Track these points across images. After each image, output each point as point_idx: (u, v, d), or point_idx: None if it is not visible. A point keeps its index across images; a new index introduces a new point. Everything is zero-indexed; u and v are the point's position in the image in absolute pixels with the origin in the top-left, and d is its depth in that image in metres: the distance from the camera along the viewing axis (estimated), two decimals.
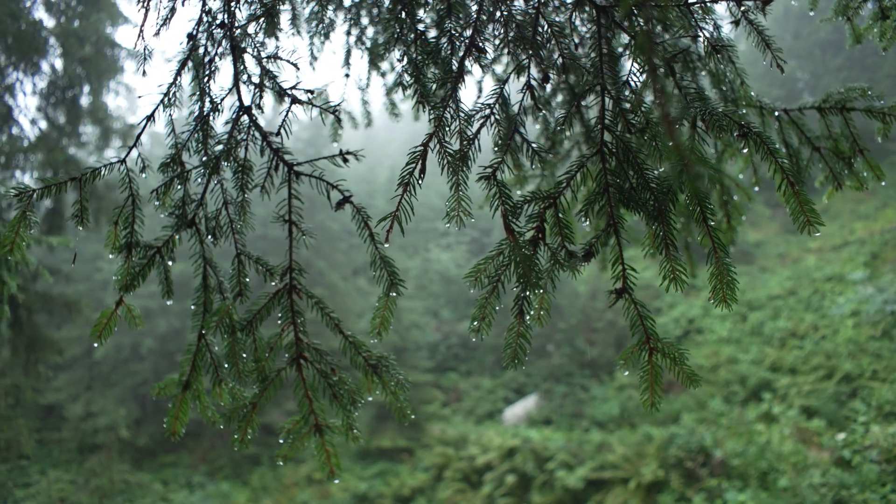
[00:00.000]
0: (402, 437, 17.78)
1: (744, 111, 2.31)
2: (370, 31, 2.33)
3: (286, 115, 1.54)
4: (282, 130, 1.54)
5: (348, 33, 2.45)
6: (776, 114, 2.37)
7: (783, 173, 1.46)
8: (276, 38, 2.05)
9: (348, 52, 2.69)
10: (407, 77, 1.54)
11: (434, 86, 1.43)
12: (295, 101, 1.55)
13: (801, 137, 2.57)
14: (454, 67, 1.94)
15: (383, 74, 2.45)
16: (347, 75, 2.64)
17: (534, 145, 1.50)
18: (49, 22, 12.10)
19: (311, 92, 1.56)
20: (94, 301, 17.77)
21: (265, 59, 1.61)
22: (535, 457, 15.58)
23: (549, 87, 2.65)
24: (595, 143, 1.46)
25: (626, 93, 1.57)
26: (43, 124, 12.27)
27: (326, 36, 2.37)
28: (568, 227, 1.50)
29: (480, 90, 2.94)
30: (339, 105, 1.52)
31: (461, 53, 1.42)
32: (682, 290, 1.42)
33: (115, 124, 12.26)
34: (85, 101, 12.08)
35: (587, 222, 1.49)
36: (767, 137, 1.48)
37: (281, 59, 1.60)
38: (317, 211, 22.71)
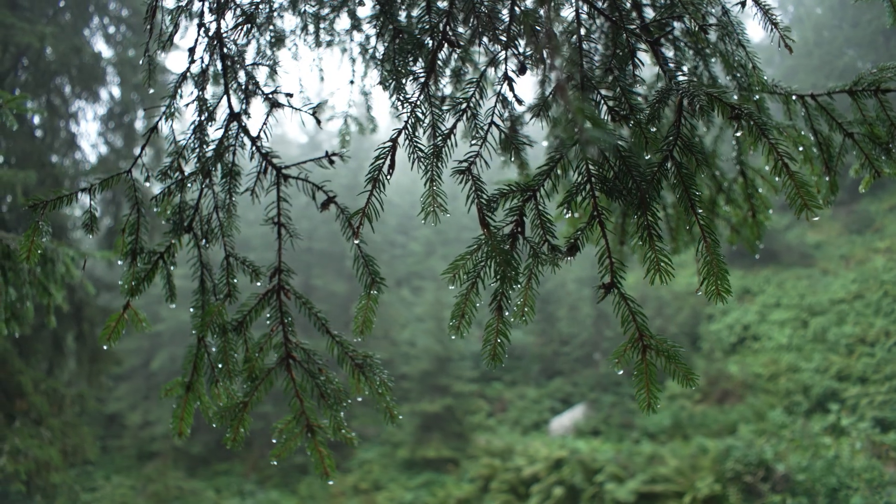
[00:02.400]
0: (448, 448, 17.70)
1: (757, 97, 2.18)
2: (375, 42, 2.36)
3: (266, 118, 1.57)
4: (262, 133, 1.57)
5: (354, 41, 2.50)
6: (793, 98, 2.23)
7: (777, 154, 1.37)
8: (272, 48, 2.10)
9: (363, 71, 2.72)
10: (386, 74, 1.55)
11: (405, 80, 1.43)
12: (275, 104, 1.58)
13: (832, 123, 2.42)
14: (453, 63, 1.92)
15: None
16: (352, 81, 2.67)
17: (512, 136, 1.46)
18: (107, 53, 12.94)
19: (290, 95, 1.59)
20: (150, 314, 18.67)
21: (251, 67, 1.66)
22: (583, 469, 15.17)
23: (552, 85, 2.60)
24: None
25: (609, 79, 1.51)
26: (103, 148, 13.08)
27: (329, 45, 2.43)
28: (549, 220, 1.45)
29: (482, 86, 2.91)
30: (317, 107, 1.54)
31: (433, 47, 1.41)
32: (667, 282, 1.34)
33: (168, 145, 12.90)
34: (139, 124, 12.80)
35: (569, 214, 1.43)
36: (759, 118, 1.39)
37: (263, 65, 1.64)
38: None
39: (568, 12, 1.83)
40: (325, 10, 2.54)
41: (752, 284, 20.93)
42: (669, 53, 2.63)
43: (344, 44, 2.95)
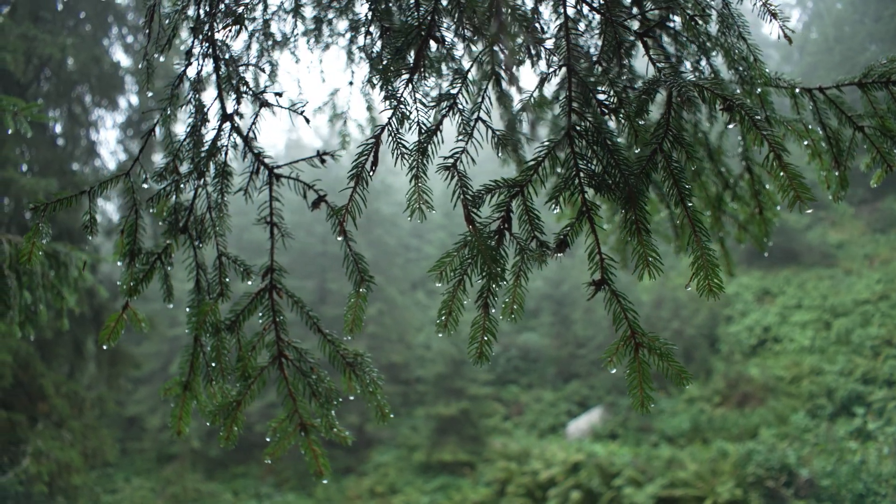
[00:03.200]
0: (464, 451, 17.64)
1: (759, 91, 2.14)
2: (365, 41, 2.37)
3: (255, 117, 1.58)
4: (251, 133, 1.58)
5: (351, 41, 2.51)
6: (797, 91, 2.18)
7: (770, 146, 1.33)
8: (270, 50, 2.11)
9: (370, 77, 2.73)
10: (375, 72, 1.55)
11: (393, 78, 1.42)
12: (264, 104, 1.60)
13: (841, 117, 2.36)
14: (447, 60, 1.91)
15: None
16: (352, 83, 2.69)
17: (499, 133, 1.45)
18: (126, 62, 13.21)
19: (279, 95, 1.60)
20: (168, 318, 18.94)
21: (243, 68, 1.67)
22: (600, 472, 15.00)
23: (556, 83, 2.58)
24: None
25: (598, 71, 1.49)
26: (122, 156, 13.34)
27: (327, 48, 2.44)
28: (537, 216, 1.43)
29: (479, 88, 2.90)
30: (304, 106, 1.55)
31: (419, 44, 1.41)
32: (656, 277, 1.32)
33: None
34: (157, 131, 13.01)
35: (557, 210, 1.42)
36: (751, 109, 1.35)
37: (255, 66, 1.65)
38: (374, 226, 23.23)
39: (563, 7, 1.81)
40: (326, 14, 2.56)
41: (771, 285, 20.53)
42: (672, 48, 2.60)
43: (348, 46, 2.97)
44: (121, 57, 13.70)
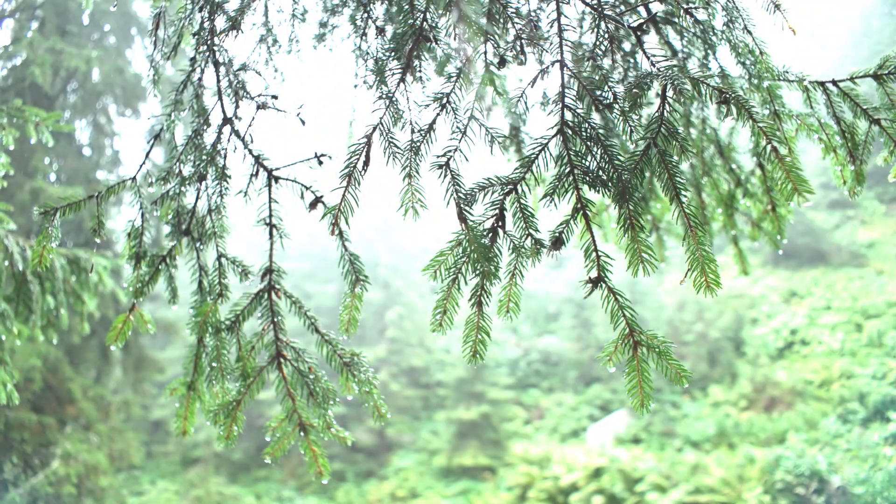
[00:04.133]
0: (484, 455, 17.56)
1: (768, 84, 2.09)
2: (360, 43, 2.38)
3: (252, 119, 1.60)
4: (247, 136, 1.60)
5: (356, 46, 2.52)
6: (806, 84, 2.12)
7: (766, 137, 1.30)
8: (273, 54, 2.14)
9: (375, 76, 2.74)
10: (370, 74, 1.55)
11: (387, 78, 1.42)
12: (261, 106, 1.62)
13: (856, 109, 2.30)
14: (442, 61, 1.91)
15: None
16: (356, 85, 2.71)
17: (493, 132, 1.44)
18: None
19: (276, 97, 1.62)
20: None
21: (241, 71, 1.70)
22: (623, 477, 14.77)
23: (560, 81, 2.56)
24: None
25: (591, 66, 1.47)
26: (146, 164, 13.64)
27: (332, 50, 2.47)
28: (531, 213, 1.42)
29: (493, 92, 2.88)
30: (301, 108, 1.56)
31: (410, 44, 1.41)
32: (650, 274, 1.29)
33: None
34: (178, 137, 13.29)
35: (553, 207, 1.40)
36: (746, 101, 1.32)
37: (253, 69, 1.68)
38: (392, 230, 23.35)
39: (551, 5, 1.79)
40: (329, 18, 2.58)
41: (798, 286, 20.03)
42: (678, 44, 2.56)
43: (355, 49, 2.98)
44: (143, 67, 14.04)
